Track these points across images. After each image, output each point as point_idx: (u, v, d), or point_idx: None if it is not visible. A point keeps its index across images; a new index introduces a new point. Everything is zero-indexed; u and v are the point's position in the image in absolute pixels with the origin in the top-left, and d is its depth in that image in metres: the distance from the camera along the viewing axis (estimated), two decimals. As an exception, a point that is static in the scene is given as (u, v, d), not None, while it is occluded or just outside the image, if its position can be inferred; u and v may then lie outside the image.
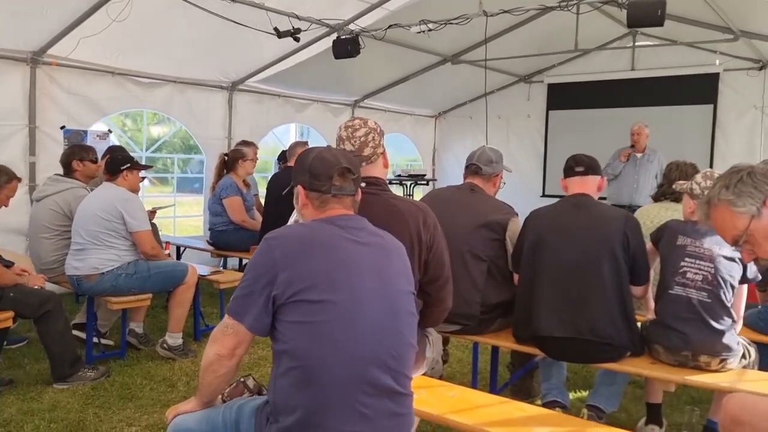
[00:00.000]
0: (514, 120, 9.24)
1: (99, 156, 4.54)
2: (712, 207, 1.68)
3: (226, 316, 1.79)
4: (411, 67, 7.76)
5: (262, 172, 7.22)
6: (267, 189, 5.34)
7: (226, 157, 5.50)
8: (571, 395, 3.66)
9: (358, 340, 1.69)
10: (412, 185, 8.57)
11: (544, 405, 3.09)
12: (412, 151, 9.96)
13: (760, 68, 7.47)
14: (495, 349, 3.39)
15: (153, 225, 4.83)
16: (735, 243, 1.66)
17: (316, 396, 1.67)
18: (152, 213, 5.05)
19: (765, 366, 3.02)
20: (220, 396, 1.99)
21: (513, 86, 9.22)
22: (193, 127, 6.69)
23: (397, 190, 8.30)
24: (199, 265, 4.85)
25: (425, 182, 8.74)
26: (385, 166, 2.56)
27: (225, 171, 5.47)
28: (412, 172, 8.66)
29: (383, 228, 1.99)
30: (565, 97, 8.87)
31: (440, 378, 3.03)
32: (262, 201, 5.60)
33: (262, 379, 2.11)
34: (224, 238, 5.40)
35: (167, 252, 4.59)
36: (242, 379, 2.07)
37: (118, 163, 4.04)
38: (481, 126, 7.34)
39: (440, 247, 2.46)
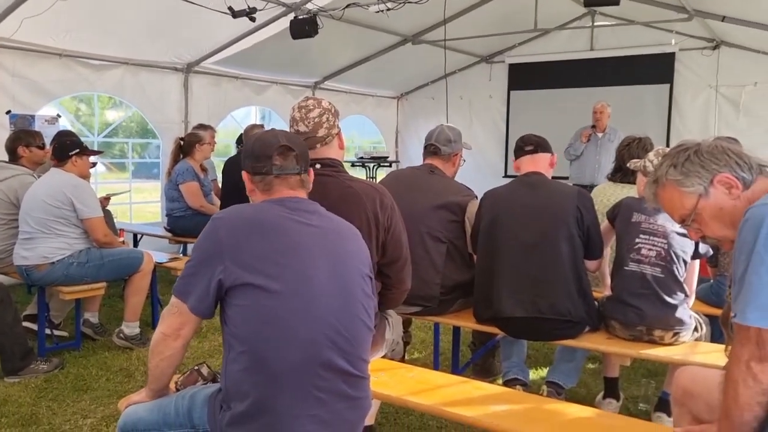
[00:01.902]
0: (476, 100, 9.24)
1: (48, 141, 4.38)
2: (660, 186, 1.68)
3: (173, 295, 1.75)
4: (371, 48, 7.67)
5: (222, 156, 7.08)
6: (223, 173, 5.25)
7: (181, 142, 5.37)
8: (533, 372, 3.71)
9: (309, 323, 1.66)
10: (375, 167, 8.52)
11: (505, 383, 3.12)
12: (375, 133, 9.90)
13: (714, 47, 7.60)
14: (456, 330, 3.40)
15: (107, 212, 4.70)
16: (682, 222, 1.66)
17: (268, 381, 1.63)
18: (106, 200, 4.91)
19: (716, 338, 3.09)
20: (173, 385, 1.95)
21: (474, 67, 9.21)
22: (147, 111, 6.51)
23: (359, 173, 8.26)
24: (158, 252, 4.75)
25: (388, 164, 8.69)
26: (341, 147, 2.51)
27: (181, 156, 5.34)
28: (375, 155, 8.60)
29: (339, 210, 1.95)
30: (526, 77, 8.89)
31: (402, 360, 3.02)
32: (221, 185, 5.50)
33: (220, 367, 2.06)
34: (182, 224, 5.29)
35: (122, 239, 4.46)
36: (196, 367, 2.02)
37: (67, 149, 3.89)
38: (444, 107, 7.32)
39: (398, 228, 2.44)
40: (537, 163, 3.03)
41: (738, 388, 1.44)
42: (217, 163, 6.26)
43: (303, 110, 2.40)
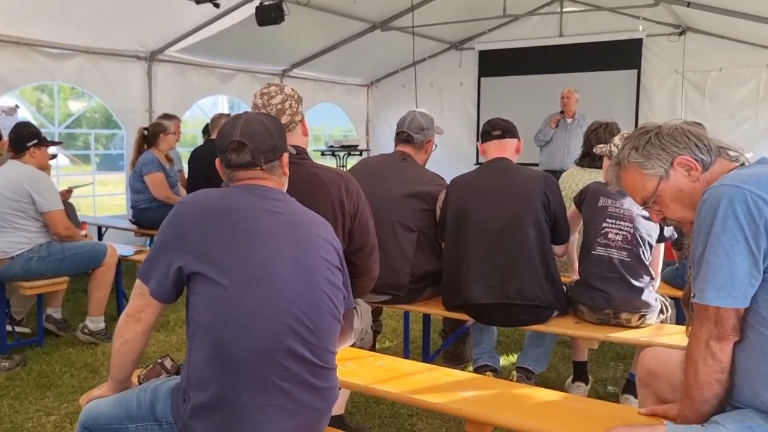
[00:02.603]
0: (446, 88, 9.22)
1: (4, 133, 4.24)
2: (623, 168, 1.68)
3: (137, 277, 1.75)
4: (339, 35, 7.58)
5: (189, 147, 6.95)
6: (189, 162, 5.16)
7: (145, 132, 5.25)
8: (503, 358, 3.73)
9: (270, 312, 1.62)
10: (345, 156, 8.46)
11: (476, 370, 3.13)
12: (345, 122, 9.83)
13: (680, 33, 7.68)
14: (426, 318, 3.39)
15: (69, 204, 4.58)
16: (644, 204, 1.67)
17: (230, 371, 1.60)
18: (68, 192, 4.77)
19: (681, 320, 3.14)
20: (136, 378, 1.91)
21: (444, 53, 9.18)
22: (109, 101, 6.34)
23: (330, 162, 8.18)
24: (123, 245, 4.65)
25: (358, 153, 8.63)
26: (305, 134, 2.47)
27: (145, 146, 5.22)
28: (345, 143, 8.54)
29: (304, 197, 1.92)
30: (496, 64, 8.88)
31: (372, 349, 3.01)
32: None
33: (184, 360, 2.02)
34: (147, 216, 5.17)
35: (84, 233, 4.35)
36: (159, 360, 1.98)
37: (24, 140, 3.77)
38: (415, 94, 7.28)
39: (364, 215, 2.42)
40: (504, 149, 3.01)
41: (698, 367, 1.45)
42: (184, 154, 6.15)
43: (265, 97, 2.36)
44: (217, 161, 1.83)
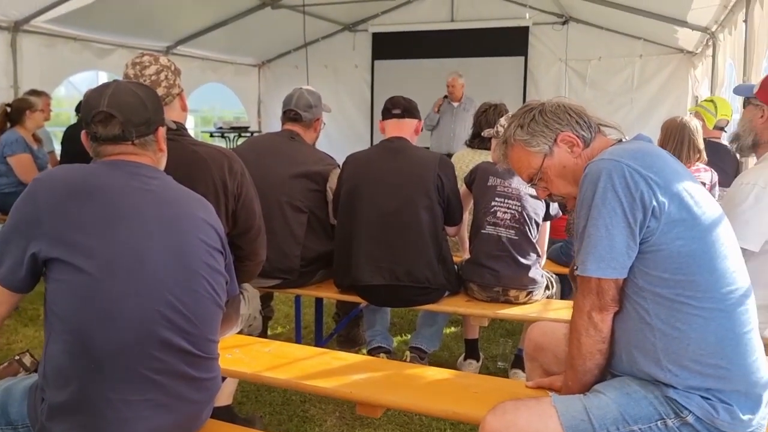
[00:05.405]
0: (341, 69, 9.12)
1: None
2: (509, 146, 1.69)
3: None
4: (227, 11, 7.25)
5: (62, 127, 6.41)
6: (62, 142, 4.75)
7: (8, 108, 4.75)
8: (397, 339, 3.73)
9: (139, 300, 1.48)
10: (236, 138, 8.17)
11: (369, 352, 3.10)
12: (237, 104, 9.47)
13: (564, 23, 8.03)
14: (318, 301, 3.32)
15: None
16: (530, 180, 1.68)
17: (93, 365, 1.45)
18: None
19: (566, 295, 3.27)
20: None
21: (338, 35, 9.06)
22: (-34, 75, 5.70)
23: (220, 144, 7.86)
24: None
25: (249, 134, 8.36)
26: (184, 109, 2.31)
27: (9, 124, 4.73)
28: (235, 124, 8.24)
29: (183, 176, 1.77)
30: (389, 46, 8.89)
31: (262, 335, 2.89)
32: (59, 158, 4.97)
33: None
34: (12, 201, 4.55)
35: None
36: (17, 357, 1.81)
37: None
38: (307, 75, 7.13)
39: (249, 196, 2.29)
40: (402, 128, 2.98)
41: (581, 338, 1.48)
42: (57, 134, 5.65)
43: (137, 67, 2.18)
44: (83, 134, 1.64)
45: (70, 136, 4.86)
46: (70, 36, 6.40)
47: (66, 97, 7.37)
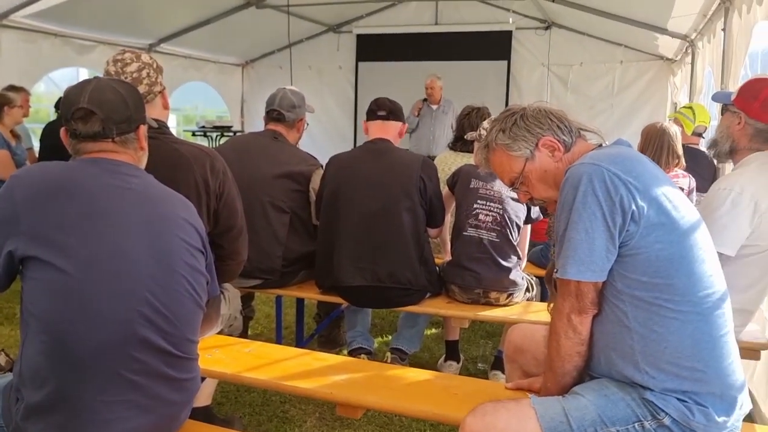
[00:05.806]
0: (325, 71, 9.10)
1: None
2: (491, 151, 1.70)
3: None
4: (211, 10, 7.19)
5: (40, 124, 6.32)
6: (41, 139, 4.69)
7: (-15, 104, 4.69)
8: (378, 340, 3.73)
9: (118, 299, 1.46)
10: (218, 137, 8.12)
11: (350, 353, 3.10)
12: (220, 103, 9.41)
13: (546, 28, 8.09)
14: (300, 302, 3.31)
15: None
16: (512, 185, 1.69)
17: (70, 365, 1.43)
18: None
19: (546, 298, 3.28)
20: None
21: (322, 36, 9.04)
22: (-57, 70, 5.59)
23: (202, 143, 7.80)
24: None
25: (232, 134, 8.31)
26: (165, 107, 2.29)
27: (-14, 120, 4.66)
28: (218, 124, 8.18)
29: (165, 175, 1.76)
30: (374, 49, 8.89)
31: (243, 335, 2.87)
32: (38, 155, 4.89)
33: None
34: None
35: None
36: (-9, 356, 1.75)
37: None
38: (290, 76, 7.11)
39: (231, 195, 2.28)
40: (386, 130, 2.99)
41: (560, 340, 1.49)
42: (36, 130, 5.57)
43: (119, 64, 2.16)
44: (62, 131, 1.62)
45: (50, 133, 4.80)
46: (51, 32, 6.31)
47: (46, 93, 7.26)
